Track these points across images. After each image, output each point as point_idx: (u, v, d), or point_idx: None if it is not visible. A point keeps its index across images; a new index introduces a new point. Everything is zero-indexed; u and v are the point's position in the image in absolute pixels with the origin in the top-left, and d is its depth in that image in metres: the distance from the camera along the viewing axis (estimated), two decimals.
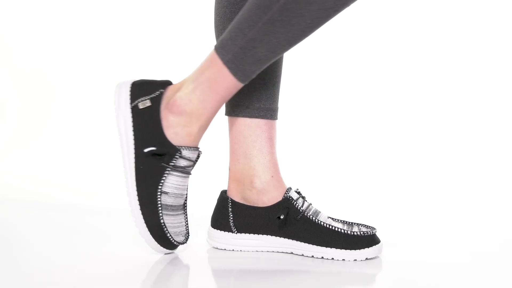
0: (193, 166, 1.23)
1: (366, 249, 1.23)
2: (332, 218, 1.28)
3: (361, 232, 1.23)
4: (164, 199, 1.20)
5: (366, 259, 1.23)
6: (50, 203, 1.77)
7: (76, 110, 2.55)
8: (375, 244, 1.24)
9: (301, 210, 1.25)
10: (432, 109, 2.37)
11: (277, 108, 1.32)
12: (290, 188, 1.28)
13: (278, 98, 1.32)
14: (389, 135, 2.30)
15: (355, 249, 1.23)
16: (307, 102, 2.38)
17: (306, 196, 1.31)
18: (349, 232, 1.23)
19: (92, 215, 1.62)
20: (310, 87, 2.41)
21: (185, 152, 1.20)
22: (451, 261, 1.26)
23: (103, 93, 2.52)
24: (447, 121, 2.33)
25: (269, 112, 1.30)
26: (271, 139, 1.29)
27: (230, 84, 1.17)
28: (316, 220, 1.24)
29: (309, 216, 1.25)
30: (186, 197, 1.26)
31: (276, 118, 1.31)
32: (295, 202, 1.26)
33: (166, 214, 1.21)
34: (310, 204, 1.28)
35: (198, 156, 1.23)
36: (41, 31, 2.63)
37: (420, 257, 1.27)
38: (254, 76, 1.17)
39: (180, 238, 1.24)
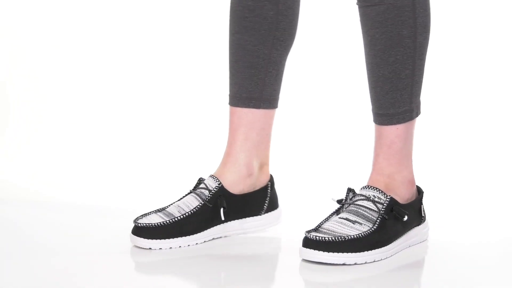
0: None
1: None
2: None
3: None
4: None
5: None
6: (51, 203, 1.76)
7: (77, 109, 2.54)
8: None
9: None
10: (429, 108, 2.36)
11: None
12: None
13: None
14: None
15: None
16: (308, 102, 2.37)
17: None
18: None
19: (92, 214, 1.62)
20: (310, 87, 2.40)
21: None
22: (445, 260, 1.26)
23: (103, 92, 2.52)
24: (444, 120, 2.32)
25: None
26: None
27: None
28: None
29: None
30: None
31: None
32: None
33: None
34: None
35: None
36: (41, 31, 2.63)
37: (413, 258, 1.27)
38: None
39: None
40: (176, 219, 1.27)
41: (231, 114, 1.37)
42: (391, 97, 1.27)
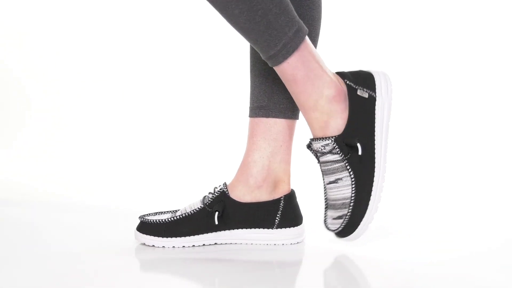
0: None
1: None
2: None
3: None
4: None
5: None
6: (52, 202, 1.78)
7: (78, 110, 2.55)
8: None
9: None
10: (428, 108, 2.37)
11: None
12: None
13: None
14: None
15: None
16: None
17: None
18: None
19: (94, 215, 1.63)
20: None
21: None
22: (445, 259, 1.26)
23: (106, 93, 2.53)
24: (445, 121, 2.33)
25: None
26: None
27: None
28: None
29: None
30: None
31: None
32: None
33: None
34: None
35: None
36: (45, 31, 2.64)
37: (412, 256, 1.28)
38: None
39: None
40: (173, 218, 1.29)
41: (248, 125, 1.36)
42: (264, 41, 1.22)
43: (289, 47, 1.21)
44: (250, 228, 1.32)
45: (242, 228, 1.31)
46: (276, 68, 1.24)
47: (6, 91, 2.61)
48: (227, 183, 1.33)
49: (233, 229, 1.31)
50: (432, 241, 1.38)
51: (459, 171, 2.10)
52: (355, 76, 1.27)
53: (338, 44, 2.47)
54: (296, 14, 1.23)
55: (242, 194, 1.31)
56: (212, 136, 2.44)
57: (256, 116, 1.34)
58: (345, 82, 1.26)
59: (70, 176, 2.15)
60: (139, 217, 1.31)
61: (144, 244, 1.29)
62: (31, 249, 1.29)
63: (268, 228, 1.32)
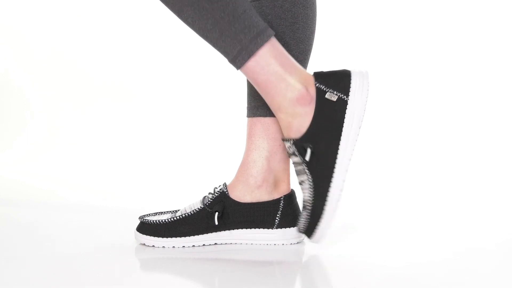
0: None
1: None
2: None
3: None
4: None
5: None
6: (52, 202, 1.78)
7: (79, 110, 2.55)
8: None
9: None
10: (425, 108, 2.37)
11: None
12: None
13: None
14: (386, 135, 2.31)
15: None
16: None
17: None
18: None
19: (94, 215, 1.63)
20: None
21: None
22: (444, 259, 1.26)
23: (106, 93, 2.53)
24: (443, 121, 2.33)
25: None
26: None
27: None
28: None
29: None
30: None
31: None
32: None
33: None
34: None
35: None
36: (45, 33, 2.64)
37: (410, 258, 1.28)
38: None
39: None
40: (173, 219, 1.29)
41: (247, 125, 1.35)
42: (220, 47, 1.23)
43: (244, 54, 1.21)
44: (250, 228, 1.31)
45: (242, 228, 1.31)
46: (242, 71, 1.24)
47: (6, 91, 2.62)
48: (227, 183, 1.33)
49: (233, 229, 1.31)
50: (431, 242, 1.38)
51: (455, 172, 2.10)
52: (329, 77, 1.25)
53: (334, 42, 2.47)
54: (258, 18, 1.22)
55: (242, 194, 1.31)
56: (212, 136, 2.44)
57: (253, 116, 1.33)
58: (315, 84, 1.24)
59: (70, 176, 2.15)
60: (139, 218, 1.31)
61: (144, 244, 1.30)
62: (31, 249, 1.29)
63: (268, 228, 1.32)
